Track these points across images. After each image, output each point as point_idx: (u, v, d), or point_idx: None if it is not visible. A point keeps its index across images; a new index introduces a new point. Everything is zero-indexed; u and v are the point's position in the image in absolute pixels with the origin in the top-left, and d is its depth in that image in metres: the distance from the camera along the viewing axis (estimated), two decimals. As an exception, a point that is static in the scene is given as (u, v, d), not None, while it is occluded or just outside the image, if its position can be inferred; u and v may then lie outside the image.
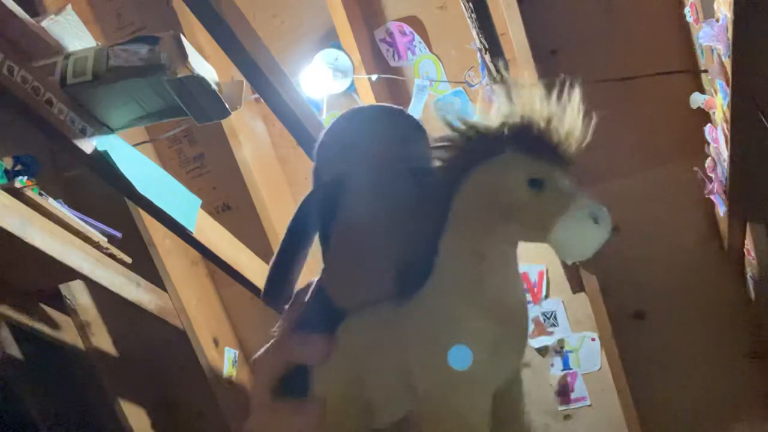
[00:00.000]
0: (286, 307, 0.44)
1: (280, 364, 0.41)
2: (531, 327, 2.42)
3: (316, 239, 0.44)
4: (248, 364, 2.74)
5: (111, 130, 1.43)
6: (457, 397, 0.37)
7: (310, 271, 0.45)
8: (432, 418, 0.37)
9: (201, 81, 1.27)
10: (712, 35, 1.48)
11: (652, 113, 2.16)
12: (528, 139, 0.39)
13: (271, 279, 0.44)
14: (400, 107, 0.43)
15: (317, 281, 0.43)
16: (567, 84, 0.39)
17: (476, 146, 0.39)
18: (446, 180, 0.40)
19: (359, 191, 0.41)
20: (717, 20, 1.44)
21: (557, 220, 0.37)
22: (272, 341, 0.43)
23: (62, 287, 2.51)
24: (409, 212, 0.40)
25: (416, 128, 0.43)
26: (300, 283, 0.44)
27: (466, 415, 0.37)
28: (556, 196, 0.38)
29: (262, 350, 0.43)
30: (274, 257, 0.44)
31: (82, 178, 2.42)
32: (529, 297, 2.42)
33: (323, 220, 0.42)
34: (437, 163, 0.40)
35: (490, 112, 0.40)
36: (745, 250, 2.08)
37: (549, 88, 0.40)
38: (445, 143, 0.40)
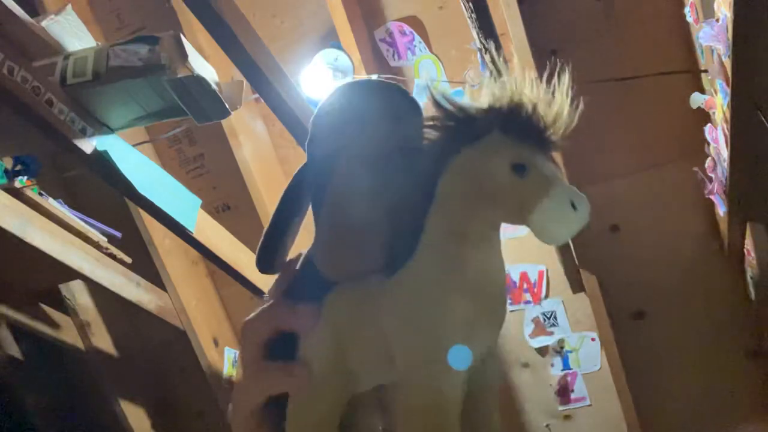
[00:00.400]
0: (277, 275, 0.45)
1: (269, 329, 0.43)
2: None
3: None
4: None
5: (111, 130, 1.43)
6: (432, 370, 0.38)
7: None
8: (407, 390, 0.39)
9: (201, 81, 1.27)
10: (712, 35, 1.48)
11: (652, 113, 2.16)
12: (514, 123, 0.40)
13: (264, 246, 0.45)
14: (397, 83, 0.44)
15: (307, 251, 0.44)
16: (557, 70, 0.40)
17: (463, 127, 0.41)
18: (433, 160, 0.41)
19: (350, 167, 0.42)
20: (717, 20, 1.44)
21: (537, 204, 0.38)
22: (263, 307, 0.44)
23: (62, 287, 2.51)
24: (398, 190, 0.41)
25: (411, 105, 0.43)
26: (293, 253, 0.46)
27: (440, 389, 0.38)
28: (538, 181, 0.39)
29: (252, 314, 0.44)
30: (267, 226, 0.45)
31: (82, 178, 2.42)
32: (529, 297, 2.42)
33: (315, 192, 0.43)
34: (426, 142, 0.41)
35: (480, 94, 0.41)
36: (745, 250, 2.08)
37: (540, 75, 0.41)
38: (434, 122, 0.41)
